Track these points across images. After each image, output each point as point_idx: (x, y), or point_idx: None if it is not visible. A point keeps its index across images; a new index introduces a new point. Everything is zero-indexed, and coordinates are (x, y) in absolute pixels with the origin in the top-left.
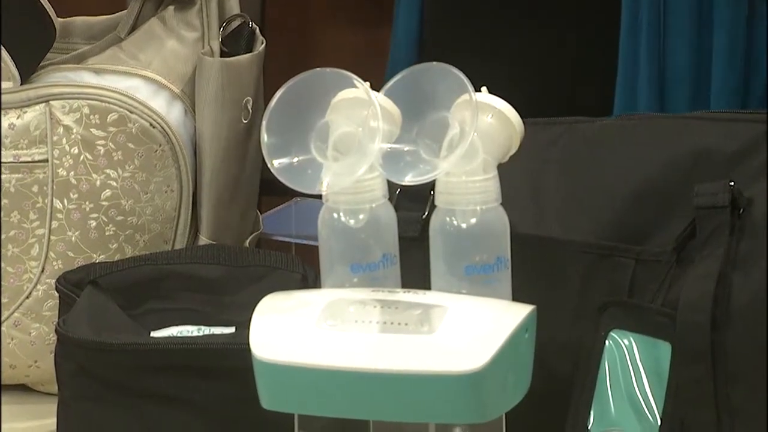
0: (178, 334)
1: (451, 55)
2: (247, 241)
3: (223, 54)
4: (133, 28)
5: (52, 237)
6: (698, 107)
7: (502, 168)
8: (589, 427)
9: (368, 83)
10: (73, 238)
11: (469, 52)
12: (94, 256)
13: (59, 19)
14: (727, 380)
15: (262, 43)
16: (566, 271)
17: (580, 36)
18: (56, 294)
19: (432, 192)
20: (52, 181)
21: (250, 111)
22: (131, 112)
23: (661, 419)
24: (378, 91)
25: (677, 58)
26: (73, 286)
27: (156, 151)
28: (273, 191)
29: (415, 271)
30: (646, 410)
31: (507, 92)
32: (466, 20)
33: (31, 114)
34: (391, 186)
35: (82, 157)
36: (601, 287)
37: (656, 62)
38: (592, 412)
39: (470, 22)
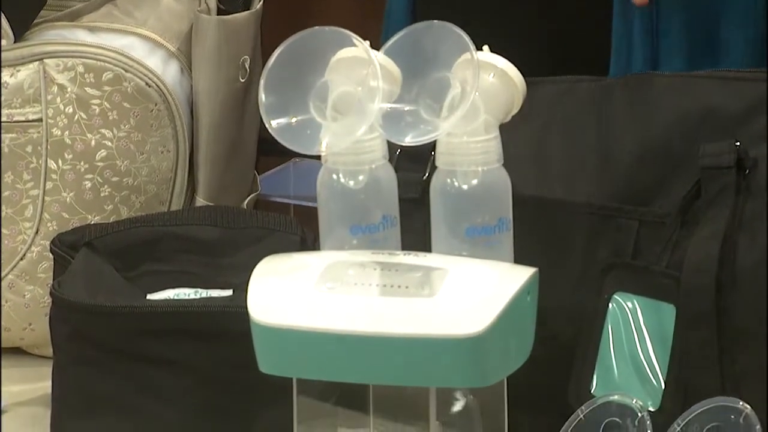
0: (175, 297)
1: (450, 14)
2: (245, 202)
3: (220, 11)
4: None
5: (46, 198)
6: None
7: (503, 128)
8: (592, 391)
9: (368, 42)
10: (67, 199)
11: (468, 12)
12: (89, 217)
13: None
14: (732, 343)
15: (260, 0)
16: (569, 233)
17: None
18: (51, 256)
19: (433, 153)
20: (47, 140)
21: (248, 70)
22: (126, 70)
23: (665, 383)
24: (378, 50)
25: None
26: (67, 247)
27: (152, 110)
28: (271, 152)
29: (415, 234)
30: (650, 374)
31: (508, 52)
32: None
33: (25, 72)
34: (392, 147)
35: (76, 117)
36: (605, 249)
37: (650, 40)
38: (595, 376)
39: None
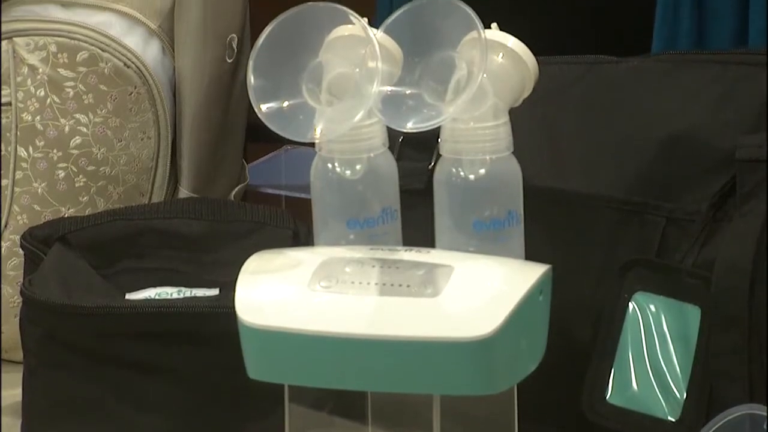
0: (156, 297)
1: None
2: (232, 193)
3: None
4: None
5: (16, 189)
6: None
7: (514, 113)
8: (607, 398)
9: (366, 19)
10: (39, 190)
11: None
12: (63, 209)
13: None
14: (762, 349)
15: None
16: (587, 229)
17: None
18: (21, 251)
19: (439, 140)
20: (16, 126)
21: (235, 49)
22: (103, 50)
23: (686, 391)
24: (377, 27)
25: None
26: (39, 242)
27: (131, 93)
28: (261, 138)
29: (419, 228)
30: (671, 380)
31: (519, 28)
32: None
33: None
34: (393, 134)
35: (48, 101)
36: (626, 246)
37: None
38: (611, 382)
39: None
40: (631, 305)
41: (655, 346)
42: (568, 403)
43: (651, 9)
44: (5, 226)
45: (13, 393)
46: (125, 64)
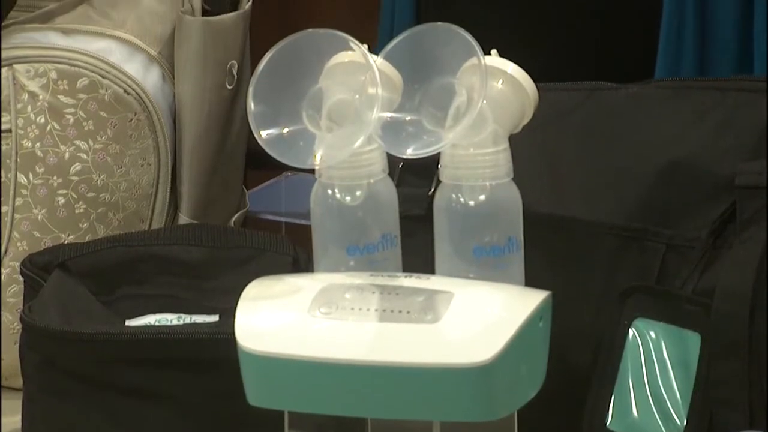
0: (156, 323)
1: (455, 15)
2: (232, 220)
3: (205, 12)
4: None
5: (16, 215)
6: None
7: (514, 139)
8: (607, 425)
9: (366, 45)
10: (39, 217)
11: (478, 8)
12: (63, 236)
13: None
14: (762, 376)
15: (249, 0)
16: (587, 255)
17: None
18: (21, 278)
19: (439, 166)
20: (16, 153)
21: (235, 76)
22: (103, 77)
23: (686, 418)
24: (376, 54)
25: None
26: (39, 269)
27: (131, 120)
28: (261, 165)
29: (420, 254)
30: (671, 407)
31: (519, 55)
32: None
33: None
34: (393, 160)
35: (48, 127)
36: (626, 273)
37: (701, 23)
38: (611, 408)
39: None
40: (631, 332)
41: (655, 373)
42: (568, 429)
43: (653, 36)
44: (5, 252)
45: (13, 420)
46: (125, 91)
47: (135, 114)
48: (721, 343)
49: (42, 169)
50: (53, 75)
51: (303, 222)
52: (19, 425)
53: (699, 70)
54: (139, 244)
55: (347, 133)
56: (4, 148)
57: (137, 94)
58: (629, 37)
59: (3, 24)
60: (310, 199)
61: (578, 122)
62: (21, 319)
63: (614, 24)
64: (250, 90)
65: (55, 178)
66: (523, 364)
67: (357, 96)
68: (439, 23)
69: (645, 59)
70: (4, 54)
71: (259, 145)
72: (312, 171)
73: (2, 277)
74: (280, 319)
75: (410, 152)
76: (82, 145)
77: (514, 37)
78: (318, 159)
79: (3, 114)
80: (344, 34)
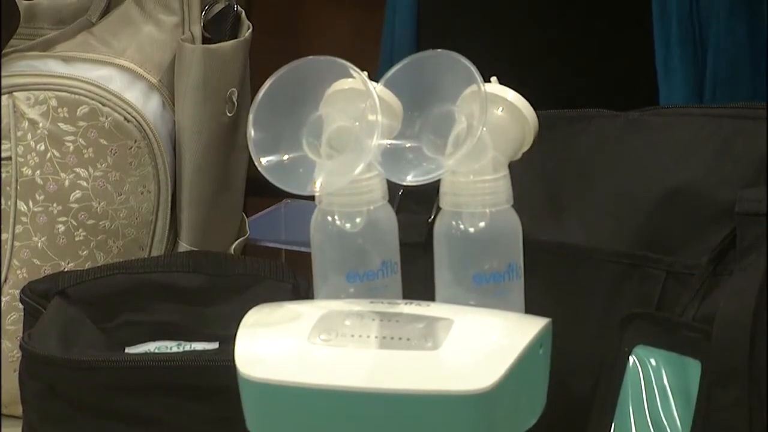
0: (156, 350)
1: (456, 42)
2: (232, 247)
3: (205, 40)
4: (106, 12)
5: (15, 243)
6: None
7: (514, 166)
8: None
9: (366, 72)
10: (39, 244)
11: (478, 36)
12: (63, 263)
13: (24, 1)
14: (762, 403)
15: (249, 28)
16: (589, 282)
17: (609, 16)
18: (20, 306)
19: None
20: (16, 180)
21: (236, 103)
22: (103, 104)
23: None
24: (376, 81)
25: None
26: (39, 297)
27: (131, 147)
28: (261, 192)
29: (420, 281)
30: None
31: (519, 82)
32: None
33: None
34: (393, 186)
35: (49, 155)
36: (626, 300)
37: (692, 52)
38: None
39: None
40: (631, 359)
41: (655, 400)
42: None
43: (652, 61)
44: (5, 280)
45: None
46: (125, 119)
47: (135, 141)
48: (722, 371)
49: (42, 197)
50: (53, 102)
51: (303, 249)
52: None
53: (698, 94)
54: (138, 271)
55: (347, 161)
56: (4, 175)
57: (137, 121)
58: (629, 65)
59: (3, 52)
60: (310, 226)
61: (578, 149)
62: (21, 347)
63: (613, 53)
64: (251, 117)
65: (55, 205)
66: (523, 392)
67: (357, 123)
68: (440, 50)
69: (645, 85)
70: (4, 81)
71: (259, 171)
72: (312, 198)
73: (2, 304)
74: (280, 346)
75: (410, 179)
76: (82, 172)
77: (514, 63)
78: (318, 186)
79: (3, 141)
80: (344, 62)
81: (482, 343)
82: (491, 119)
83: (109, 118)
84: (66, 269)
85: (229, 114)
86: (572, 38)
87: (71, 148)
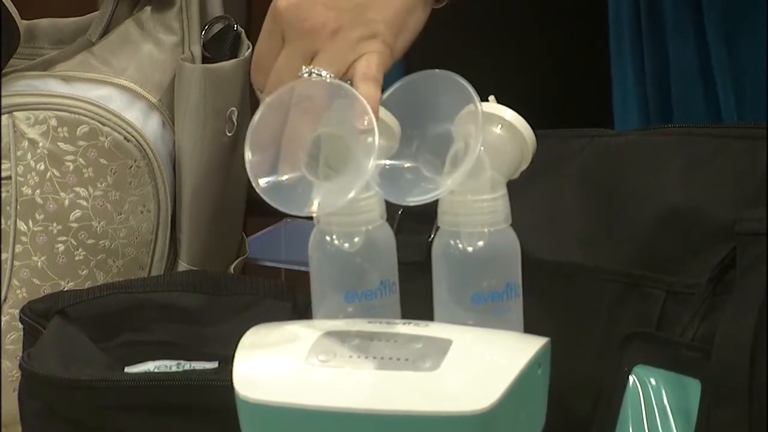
0: (155, 370)
1: (451, 62)
2: (232, 266)
3: (204, 60)
4: (106, 32)
5: (15, 262)
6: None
7: (512, 185)
8: None
9: None
10: (38, 264)
11: (471, 58)
12: (62, 283)
13: (23, 21)
14: (763, 423)
15: (248, 47)
16: (588, 301)
17: (579, 36)
18: (20, 325)
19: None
20: (16, 200)
21: (235, 123)
22: (103, 124)
23: None
24: None
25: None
26: (38, 316)
27: (131, 167)
28: (260, 212)
29: (419, 300)
30: None
31: (518, 100)
32: (464, 25)
33: None
34: (392, 206)
35: (48, 174)
36: (626, 319)
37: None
38: None
39: (466, 25)
40: (631, 378)
41: (655, 420)
42: None
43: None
44: (4, 299)
45: None
46: (125, 138)
47: (135, 161)
48: (722, 390)
49: (42, 216)
50: (53, 122)
51: (303, 269)
52: None
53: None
54: (138, 290)
55: (345, 181)
56: (3, 195)
57: (137, 141)
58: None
59: (3, 71)
60: (309, 246)
61: (577, 168)
62: (20, 366)
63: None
64: (247, 138)
65: (54, 225)
66: (522, 412)
67: (355, 143)
68: (437, 70)
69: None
70: (4, 101)
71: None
72: (310, 218)
73: (2, 324)
74: (278, 367)
75: (408, 199)
76: (82, 192)
77: (512, 82)
78: (316, 206)
79: (3, 161)
80: (341, 82)
81: (481, 363)
82: (489, 138)
83: (109, 138)
84: (66, 289)
85: (229, 133)
86: (571, 57)
87: (71, 167)
